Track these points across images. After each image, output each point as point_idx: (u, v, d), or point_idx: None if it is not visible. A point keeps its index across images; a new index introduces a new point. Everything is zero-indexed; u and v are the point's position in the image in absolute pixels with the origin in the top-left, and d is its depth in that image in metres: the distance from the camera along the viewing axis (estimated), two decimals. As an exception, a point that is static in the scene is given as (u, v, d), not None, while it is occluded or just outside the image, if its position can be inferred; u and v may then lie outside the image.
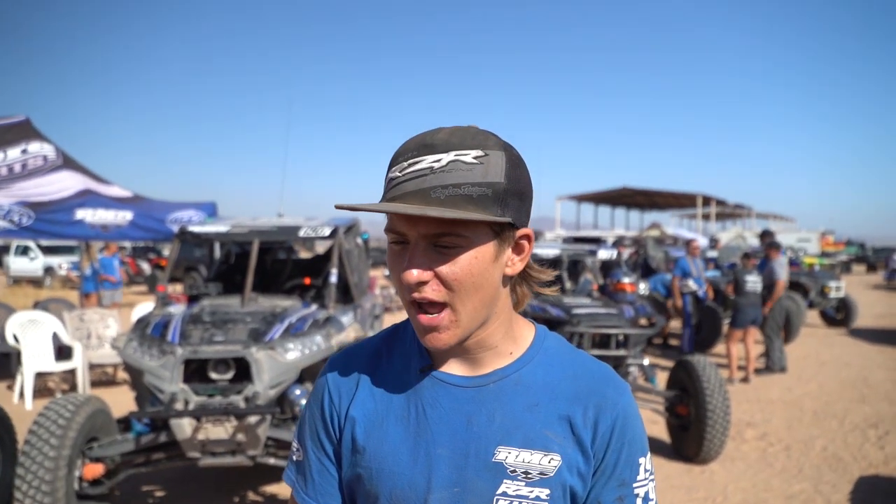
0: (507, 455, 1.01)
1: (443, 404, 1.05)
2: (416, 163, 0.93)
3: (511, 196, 0.96)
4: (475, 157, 0.92)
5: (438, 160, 0.92)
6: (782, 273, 9.03)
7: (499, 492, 1.01)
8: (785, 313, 9.46)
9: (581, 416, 1.03)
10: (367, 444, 1.07)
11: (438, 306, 0.97)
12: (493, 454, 1.02)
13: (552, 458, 1.01)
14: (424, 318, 0.98)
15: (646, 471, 1.07)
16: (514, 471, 1.01)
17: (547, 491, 1.01)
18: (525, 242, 1.03)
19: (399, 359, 1.12)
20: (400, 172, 0.94)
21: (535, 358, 1.08)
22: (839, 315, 14.15)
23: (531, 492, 1.00)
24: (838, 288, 13.72)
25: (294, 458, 1.19)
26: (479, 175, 0.92)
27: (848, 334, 13.38)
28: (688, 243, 10.74)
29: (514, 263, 1.03)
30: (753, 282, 8.87)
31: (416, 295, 0.97)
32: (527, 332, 1.11)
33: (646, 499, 1.06)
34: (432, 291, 0.96)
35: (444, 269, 0.95)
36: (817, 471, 5.52)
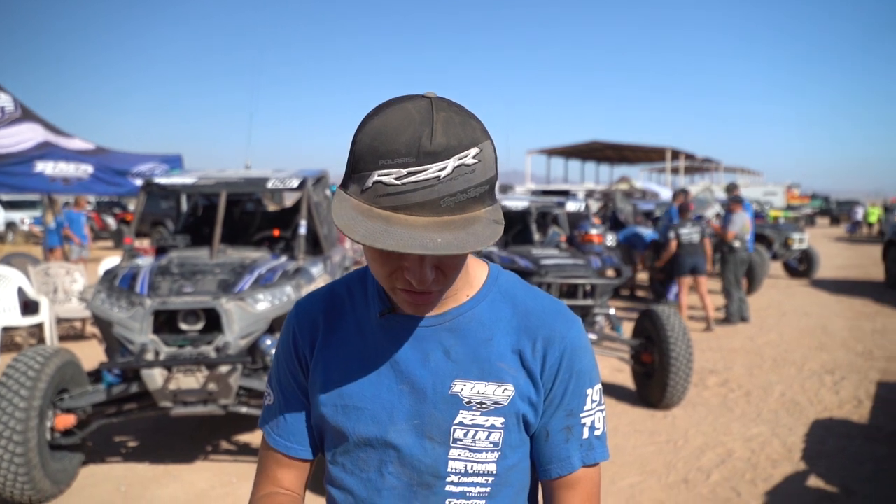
0: (463, 388, 1.07)
1: (402, 343, 1.10)
2: (418, 172, 0.87)
3: (497, 179, 0.97)
4: (474, 157, 0.90)
5: (443, 168, 0.88)
6: (733, 227, 9.27)
7: (455, 422, 1.07)
8: (745, 266, 9.67)
9: (530, 348, 1.08)
10: (332, 382, 1.12)
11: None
12: (450, 387, 1.07)
13: (506, 389, 1.07)
14: (417, 298, 1.00)
15: (593, 401, 1.11)
16: (469, 402, 1.07)
17: (501, 419, 1.07)
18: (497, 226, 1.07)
19: (361, 301, 1.16)
20: (397, 180, 0.88)
21: (488, 296, 1.12)
22: (801, 266, 14.50)
23: (486, 420, 1.07)
24: (801, 240, 14.03)
25: (266, 402, 1.23)
26: (480, 174, 0.91)
27: (809, 285, 13.74)
28: (675, 194, 10.85)
29: None
30: (687, 233, 9.25)
31: (418, 290, 0.98)
32: (481, 272, 1.15)
33: (592, 428, 1.11)
34: (433, 284, 0.98)
35: (447, 265, 0.97)
36: (775, 415, 5.73)
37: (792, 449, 4.95)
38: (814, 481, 4.42)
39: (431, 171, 0.88)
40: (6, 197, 23.57)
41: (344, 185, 0.95)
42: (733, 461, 4.76)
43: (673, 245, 9.25)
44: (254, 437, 5.12)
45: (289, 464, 1.19)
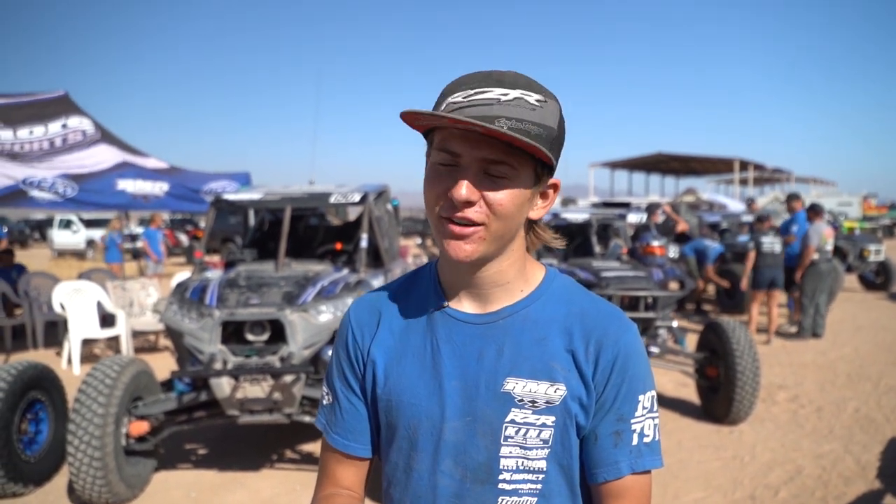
0: (515, 385, 1.08)
1: (455, 340, 1.12)
2: (483, 92, 0.98)
3: (557, 144, 1.03)
4: (537, 101, 0.99)
5: (506, 94, 0.97)
6: (814, 239, 8.90)
7: (507, 419, 1.08)
8: (829, 279, 9.18)
9: (583, 349, 1.09)
10: (387, 378, 1.15)
11: (473, 225, 1.03)
12: (502, 385, 1.08)
13: (558, 388, 1.08)
14: (457, 228, 1.02)
15: (644, 408, 1.10)
16: (521, 400, 1.08)
17: (553, 418, 1.07)
18: (551, 191, 1.11)
19: (416, 299, 1.19)
20: (463, 98, 0.99)
21: (543, 295, 1.14)
22: (878, 279, 13.92)
23: (538, 419, 1.07)
24: (878, 251, 13.47)
25: (324, 402, 1.25)
26: (539, 117, 0.98)
27: (887, 298, 13.16)
28: (789, 197, 10.50)
29: (538, 208, 1.11)
30: (770, 243, 8.97)
31: (459, 214, 1.02)
32: (538, 272, 1.17)
33: (642, 434, 1.09)
34: (475, 213, 1.01)
35: (491, 195, 1.01)
36: (848, 431, 5.52)
37: (866, 467, 4.76)
38: (890, 501, 4.24)
39: (494, 92, 0.98)
40: (87, 215, 24.73)
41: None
42: (803, 478, 4.61)
43: (750, 256, 8.95)
44: (317, 447, 5.23)
45: (348, 462, 1.21)
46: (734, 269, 10.65)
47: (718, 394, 5.67)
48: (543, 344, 1.10)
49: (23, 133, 8.14)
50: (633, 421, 1.09)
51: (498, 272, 1.11)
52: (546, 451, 1.08)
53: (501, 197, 1.01)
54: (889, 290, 13.73)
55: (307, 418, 4.36)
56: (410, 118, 1.01)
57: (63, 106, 9.13)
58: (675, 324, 6.27)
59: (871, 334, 9.59)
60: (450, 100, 1.00)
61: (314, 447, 5.23)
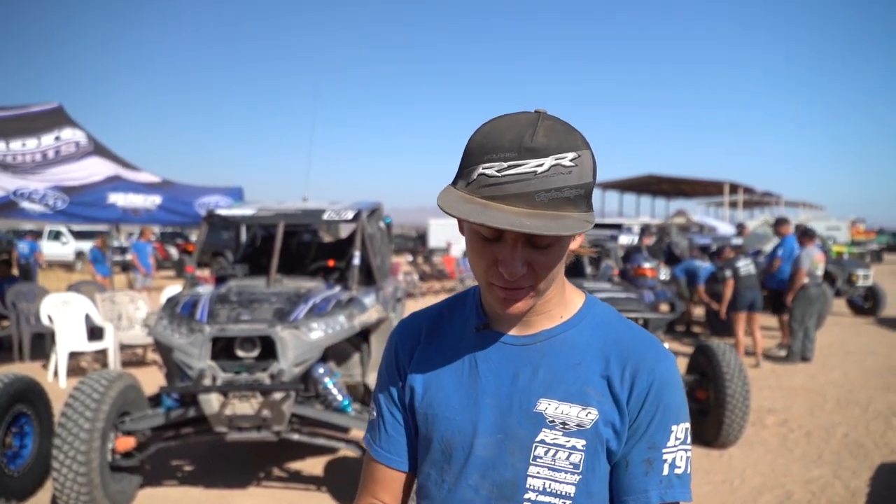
0: (548, 406, 1.10)
1: (493, 359, 1.15)
2: (518, 165, 0.95)
3: (593, 189, 1.04)
4: (571, 160, 0.97)
5: (541, 164, 0.95)
6: (806, 263, 8.96)
7: (537, 439, 1.09)
8: (818, 304, 9.21)
9: (619, 375, 1.10)
10: (425, 392, 1.19)
11: (523, 288, 1.06)
12: (535, 405, 1.10)
13: (590, 412, 1.09)
14: (507, 293, 1.05)
15: (677, 439, 1.10)
16: (552, 421, 1.09)
17: (583, 442, 1.08)
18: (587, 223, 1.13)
19: (458, 319, 1.23)
20: (498, 172, 0.96)
21: (582, 321, 1.16)
22: (867, 304, 13.98)
23: (568, 441, 1.09)
24: (866, 276, 13.55)
25: (370, 416, 1.29)
26: (576, 177, 0.97)
27: (875, 323, 13.21)
28: (778, 221, 10.46)
29: (576, 240, 1.13)
30: (745, 265, 9.11)
31: (508, 283, 1.04)
32: (577, 298, 1.19)
33: (673, 465, 1.09)
34: (524, 279, 1.03)
35: (539, 261, 1.03)
36: (837, 457, 5.52)
37: (856, 493, 4.76)
38: (878, 527, 4.24)
39: (529, 165, 0.95)
40: (76, 227, 24.62)
41: (453, 182, 1.04)
42: (792, 503, 4.60)
43: (730, 283, 9.02)
44: (305, 465, 5.19)
45: (386, 474, 1.24)
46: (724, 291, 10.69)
47: (708, 417, 5.67)
48: (579, 369, 1.12)
49: (15, 145, 8.11)
50: (665, 450, 1.09)
51: (543, 303, 1.13)
52: (576, 476, 1.09)
53: (549, 261, 1.04)
54: (877, 315, 13.80)
55: (296, 436, 4.33)
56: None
57: (56, 118, 9.11)
58: (665, 346, 6.29)
59: (860, 359, 9.62)
60: (482, 171, 0.97)
61: (302, 465, 5.19)
